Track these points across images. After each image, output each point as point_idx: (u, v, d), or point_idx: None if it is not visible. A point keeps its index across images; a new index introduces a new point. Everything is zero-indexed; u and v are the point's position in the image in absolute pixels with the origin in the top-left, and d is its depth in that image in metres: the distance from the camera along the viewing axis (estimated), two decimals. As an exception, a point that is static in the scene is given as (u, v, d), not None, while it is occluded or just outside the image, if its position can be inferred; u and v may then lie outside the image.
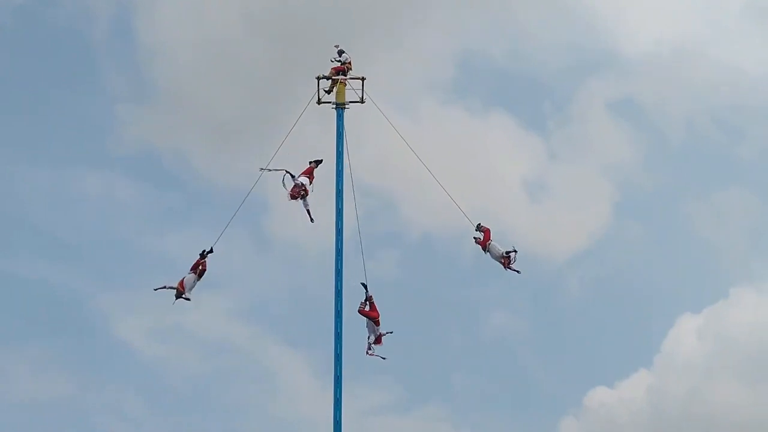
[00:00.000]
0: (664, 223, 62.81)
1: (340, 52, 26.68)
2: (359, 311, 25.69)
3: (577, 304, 57.84)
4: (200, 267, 26.00)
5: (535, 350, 54.94)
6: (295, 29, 53.37)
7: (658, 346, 52.87)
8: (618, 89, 64.65)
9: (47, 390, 52.23)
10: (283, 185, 25.88)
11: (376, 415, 51.27)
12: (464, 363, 52.07)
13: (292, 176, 25.88)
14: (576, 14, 65.82)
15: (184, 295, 25.90)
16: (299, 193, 25.69)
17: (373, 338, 26.18)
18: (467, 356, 53.00)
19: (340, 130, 25.97)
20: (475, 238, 26.81)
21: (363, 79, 26.59)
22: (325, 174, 25.97)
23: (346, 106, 26.31)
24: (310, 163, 26.27)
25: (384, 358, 26.05)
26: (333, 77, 26.41)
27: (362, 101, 26.47)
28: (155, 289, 25.98)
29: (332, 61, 26.72)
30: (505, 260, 26.35)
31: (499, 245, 26.58)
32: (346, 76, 26.49)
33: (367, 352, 26.10)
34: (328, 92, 26.54)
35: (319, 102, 26.61)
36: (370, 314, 25.92)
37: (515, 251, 26.39)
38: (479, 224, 26.74)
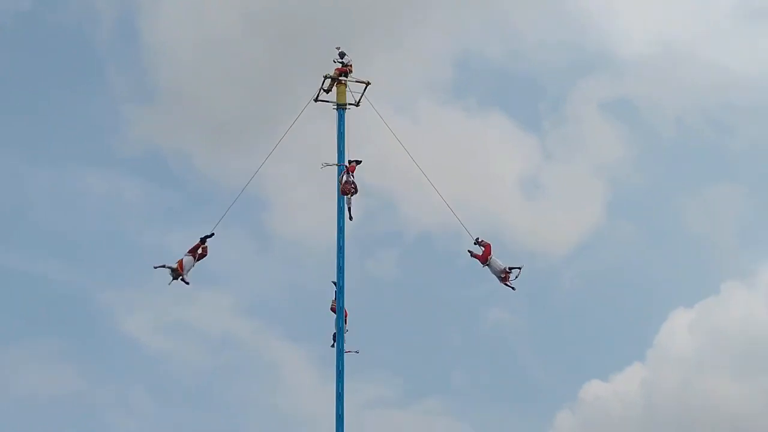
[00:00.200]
0: (656, 220, 62.92)
1: (342, 54, 26.55)
2: (331, 308, 25.17)
3: (572, 300, 57.91)
4: (200, 251, 25.69)
5: (532, 345, 55.01)
6: (295, 30, 53.28)
7: (651, 341, 52.94)
8: (611, 90, 64.73)
9: (55, 385, 52.27)
10: (340, 180, 25.48)
11: (376, 408, 51.32)
12: (462, 358, 52.15)
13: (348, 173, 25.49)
14: (570, 17, 65.93)
15: (182, 277, 25.37)
16: (350, 189, 25.25)
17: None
18: (465, 352, 53.07)
19: (341, 129, 25.91)
20: (469, 251, 26.16)
21: (367, 83, 26.49)
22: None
23: (347, 107, 26.26)
24: (350, 162, 25.80)
25: (357, 352, 24.85)
26: (335, 77, 26.29)
27: (357, 104, 26.28)
28: (155, 267, 25.23)
29: (335, 62, 26.62)
30: (506, 275, 25.82)
31: (500, 261, 25.94)
32: (347, 77, 26.39)
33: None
34: (327, 92, 26.45)
35: (316, 100, 26.52)
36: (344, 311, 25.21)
37: (520, 268, 25.88)
38: (478, 238, 26.11)
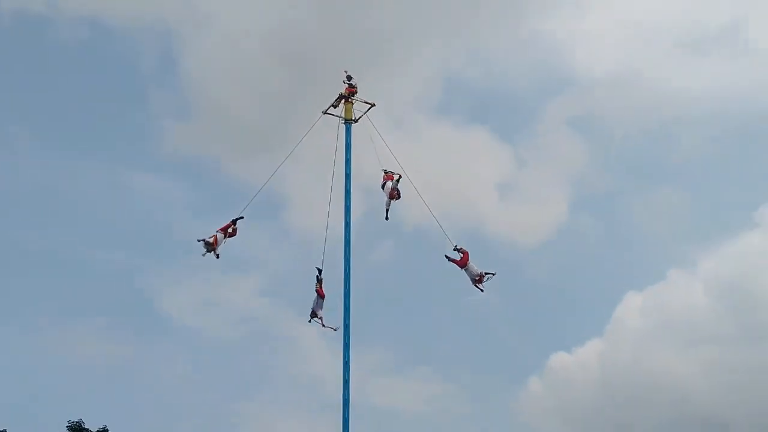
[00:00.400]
0: (612, 217, 63.00)
1: (349, 77, 26.48)
2: (316, 290, 25.04)
3: (541, 285, 58.04)
4: (230, 230, 25.35)
5: (507, 322, 55.11)
6: (308, 57, 53.42)
7: (608, 319, 53.10)
8: (576, 107, 64.91)
9: (106, 353, 52.39)
10: (383, 186, 25.32)
11: (377, 375, 51.41)
12: (449, 332, 52.31)
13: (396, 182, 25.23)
14: (542, 46, 66.02)
15: (215, 251, 25.02)
16: (395, 195, 25.09)
17: (321, 312, 25.12)
18: (452, 327, 53.21)
19: (348, 141, 25.80)
20: (446, 256, 25.13)
21: (372, 105, 26.20)
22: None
23: (353, 122, 26.16)
24: (387, 172, 25.63)
25: (335, 329, 24.51)
26: (346, 95, 26.20)
27: (356, 121, 25.85)
28: (198, 240, 24.99)
29: (344, 83, 26.39)
30: (480, 279, 24.99)
31: (476, 266, 25.02)
32: (353, 97, 26.28)
33: (323, 325, 25.07)
34: (335, 107, 26.23)
35: (325, 112, 26.23)
36: (321, 293, 25.13)
37: (493, 274, 25.01)
38: (457, 245, 25.11)
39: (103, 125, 63.38)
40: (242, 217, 25.63)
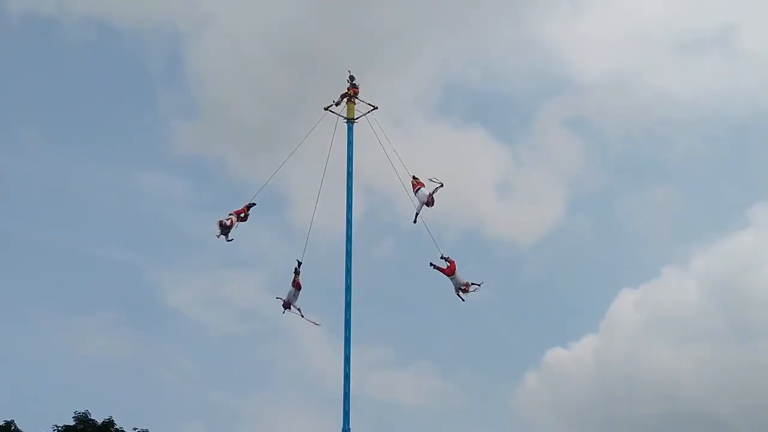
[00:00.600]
0: (608, 216, 63.02)
1: (351, 78, 26.46)
2: (294, 282, 24.77)
3: (538, 282, 58.08)
4: (242, 215, 25.23)
5: (505, 318, 55.08)
6: (311, 57, 53.39)
7: (603, 315, 53.05)
8: (572, 109, 64.86)
9: (114, 348, 52.44)
10: (418, 192, 25.02)
11: (377, 369, 51.43)
12: (447, 328, 52.23)
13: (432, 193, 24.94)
14: (539, 49, 65.99)
15: (228, 234, 24.91)
16: (431, 202, 24.81)
17: (297, 304, 24.87)
18: (450, 322, 53.12)
19: (350, 139, 25.74)
20: (432, 264, 24.77)
21: (374, 107, 26.05)
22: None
23: (355, 122, 26.11)
24: (415, 178, 25.36)
25: (318, 324, 24.82)
26: (351, 95, 26.14)
27: (354, 120, 25.65)
28: (218, 221, 24.86)
29: (348, 83, 26.30)
30: (465, 288, 24.72)
31: (462, 277, 24.70)
32: (356, 97, 26.24)
33: (302, 316, 24.94)
34: (337, 105, 26.08)
35: (326, 109, 26.10)
36: (298, 284, 24.82)
37: (479, 285, 24.75)
38: (443, 255, 24.73)
39: (112, 126, 63.44)
40: (255, 204, 25.53)
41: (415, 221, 25.06)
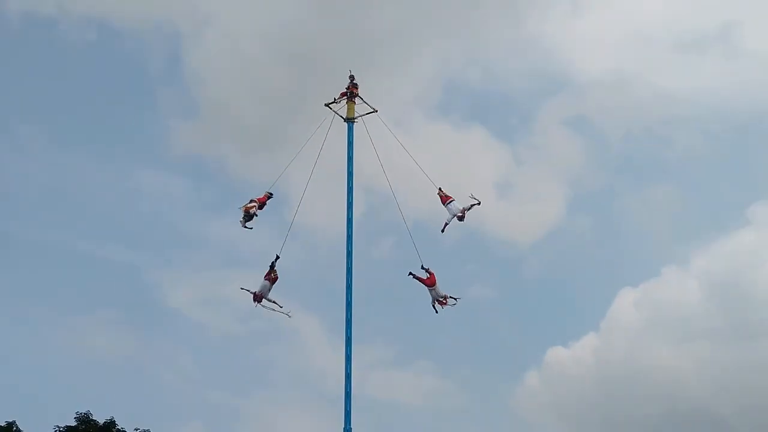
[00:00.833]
0: (608, 215, 63.00)
1: (352, 77, 26.51)
2: (270, 276, 24.58)
3: (538, 281, 58.06)
4: (263, 203, 25.27)
5: (505, 317, 55.14)
6: (311, 56, 53.36)
7: (603, 314, 53.00)
8: (571, 108, 64.79)
9: (113, 347, 52.40)
10: (450, 205, 25.43)
11: (377, 369, 51.42)
12: (448, 327, 52.14)
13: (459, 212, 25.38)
14: (538, 48, 65.95)
15: (250, 221, 24.96)
16: (462, 217, 25.30)
17: (271, 296, 24.60)
18: (450, 322, 52.96)
19: (350, 139, 25.72)
20: (412, 273, 24.91)
21: (375, 110, 26.15)
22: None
23: (355, 121, 26.12)
24: (444, 192, 25.84)
25: (290, 316, 24.71)
26: (354, 94, 26.12)
27: (350, 120, 25.73)
28: (244, 206, 25.01)
29: (348, 80, 26.35)
30: (444, 301, 24.97)
31: (442, 290, 24.88)
32: (357, 96, 26.26)
33: (281, 306, 24.69)
34: (336, 102, 26.06)
35: (327, 105, 26.11)
36: (273, 278, 24.64)
37: (456, 300, 25.06)
38: (422, 265, 24.90)
39: (112, 125, 63.45)
40: (272, 194, 25.59)
41: (443, 231, 25.53)
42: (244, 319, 53.76)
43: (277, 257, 24.86)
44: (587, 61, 65.72)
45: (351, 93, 26.13)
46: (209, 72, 60.43)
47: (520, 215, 58.90)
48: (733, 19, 65.28)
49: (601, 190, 63.16)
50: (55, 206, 59.17)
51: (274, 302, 24.66)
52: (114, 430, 35.57)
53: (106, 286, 54.19)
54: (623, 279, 57.05)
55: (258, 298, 24.58)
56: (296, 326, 54.09)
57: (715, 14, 67.53)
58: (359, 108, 26.08)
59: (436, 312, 25.04)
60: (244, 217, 25.06)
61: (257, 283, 24.68)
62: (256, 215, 25.19)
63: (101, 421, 35.40)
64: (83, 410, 35.32)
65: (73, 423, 34.99)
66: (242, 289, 24.72)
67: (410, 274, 24.93)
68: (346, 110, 26.10)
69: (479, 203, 25.27)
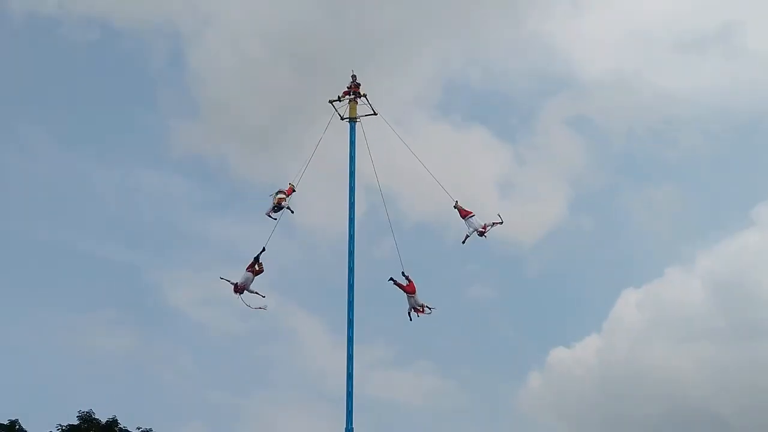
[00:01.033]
0: (610, 215, 62.93)
1: (354, 77, 26.55)
2: (254, 269, 24.54)
3: (540, 281, 57.96)
4: (290, 194, 25.33)
5: (507, 317, 55.14)
6: (313, 56, 53.41)
7: (606, 315, 52.94)
8: (573, 108, 64.79)
9: (115, 346, 52.45)
10: (470, 219, 25.87)
11: (378, 368, 51.42)
12: (449, 327, 52.18)
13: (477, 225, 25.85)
14: (540, 48, 65.91)
15: (271, 213, 25.01)
16: (483, 234, 25.75)
17: (253, 288, 24.51)
18: (451, 322, 53.10)
19: (352, 139, 25.77)
20: (392, 279, 24.87)
21: (375, 113, 26.21)
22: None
23: (358, 120, 26.15)
24: (461, 207, 26.19)
25: (265, 308, 24.60)
26: (348, 93, 26.26)
27: (347, 119, 25.89)
28: (278, 197, 25.06)
29: (351, 80, 26.50)
30: (421, 309, 24.97)
31: (420, 299, 24.94)
32: (361, 96, 26.32)
33: (263, 296, 24.67)
34: (340, 100, 26.19)
35: (331, 102, 26.22)
36: (257, 271, 24.53)
37: (432, 309, 25.04)
38: (403, 272, 24.90)
39: (113, 125, 63.49)
40: (294, 190, 25.57)
41: (463, 242, 25.97)
42: (244, 319, 53.80)
43: (263, 249, 24.79)
44: (588, 61, 65.81)
45: (354, 93, 26.18)
46: (210, 72, 60.58)
47: (522, 215, 58.82)
48: (733, 19, 65.24)
49: (603, 189, 63.19)
50: (55, 205, 59.31)
51: (256, 293, 24.52)
52: (116, 429, 35.63)
53: (106, 286, 54.28)
54: (626, 279, 57.10)
55: (240, 289, 24.43)
56: (296, 326, 54.31)
57: (716, 14, 67.57)
58: (361, 109, 26.15)
59: (411, 319, 25.16)
60: (273, 208, 25.04)
61: (254, 281, 24.62)
62: (290, 209, 25.23)
63: (104, 419, 35.47)
64: (86, 409, 35.46)
65: (76, 422, 35.08)
66: (222, 279, 24.65)
67: (391, 279, 24.98)
68: (348, 110, 26.20)
69: (501, 222, 25.86)
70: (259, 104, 58.45)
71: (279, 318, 54.63)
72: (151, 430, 36.13)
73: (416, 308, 25.06)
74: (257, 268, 24.65)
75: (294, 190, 25.70)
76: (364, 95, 26.29)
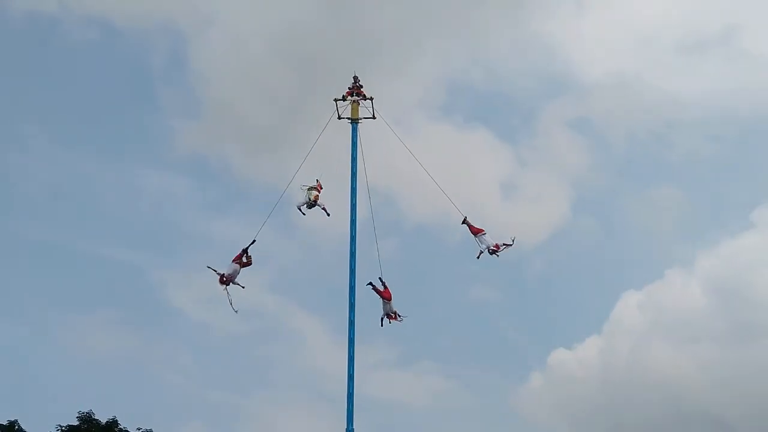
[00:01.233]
0: (612, 216, 62.84)
1: (356, 79, 26.49)
2: (241, 261, 24.28)
3: (542, 282, 57.83)
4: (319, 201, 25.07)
5: (509, 318, 54.99)
6: (315, 57, 53.36)
7: (607, 316, 52.88)
8: (575, 109, 64.71)
9: (116, 346, 52.35)
10: (482, 238, 25.85)
11: (379, 369, 51.32)
12: (451, 327, 52.18)
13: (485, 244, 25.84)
14: (542, 49, 65.78)
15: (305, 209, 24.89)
16: (495, 253, 25.76)
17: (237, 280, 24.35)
18: (453, 322, 53.11)
19: (354, 140, 25.70)
20: (371, 284, 24.78)
21: (373, 117, 26.17)
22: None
23: (359, 122, 26.06)
24: (469, 222, 26.08)
25: (236, 311, 24.26)
26: (352, 93, 26.20)
27: (358, 120, 25.78)
28: (315, 194, 24.99)
29: (353, 81, 26.46)
30: (394, 316, 24.89)
31: (394, 306, 24.91)
32: (363, 99, 26.23)
33: (242, 287, 24.38)
34: (344, 99, 26.12)
35: (335, 100, 26.14)
36: (245, 263, 24.40)
37: (402, 318, 24.98)
38: (380, 277, 24.92)
39: (115, 125, 63.42)
40: (320, 186, 25.36)
41: (477, 257, 26.02)
42: (245, 319, 53.71)
43: (253, 241, 24.55)
44: (590, 63, 65.70)
45: (358, 94, 26.10)
46: (213, 72, 60.49)
47: (524, 216, 58.82)
48: (735, 22, 65.16)
49: (605, 191, 63.13)
50: (57, 205, 59.20)
51: (237, 284, 24.21)
52: (116, 429, 35.53)
53: (108, 286, 54.19)
54: (627, 281, 57.14)
55: (226, 280, 24.11)
56: (297, 326, 54.22)
57: (718, 17, 67.42)
58: (363, 111, 26.07)
59: (382, 325, 25.08)
60: (307, 204, 24.79)
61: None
62: (326, 211, 24.98)
63: (103, 420, 35.37)
64: (86, 409, 35.35)
65: (76, 422, 34.97)
66: (209, 267, 24.33)
67: (369, 284, 24.83)
68: (350, 111, 26.12)
69: (512, 244, 26.01)
70: (261, 104, 58.45)
71: (280, 318, 54.66)
72: (151, 430, 36.07)
73: (389, 315, 24.98)
74: (245, 260, 24.35)
75: (322, 188, 25.44)
76: (371, 98, 26.20)
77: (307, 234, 54.60)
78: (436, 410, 50.48)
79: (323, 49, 53.49)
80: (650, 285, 54.07)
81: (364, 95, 26.24)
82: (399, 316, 25.06)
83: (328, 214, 25.26)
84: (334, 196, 25.68)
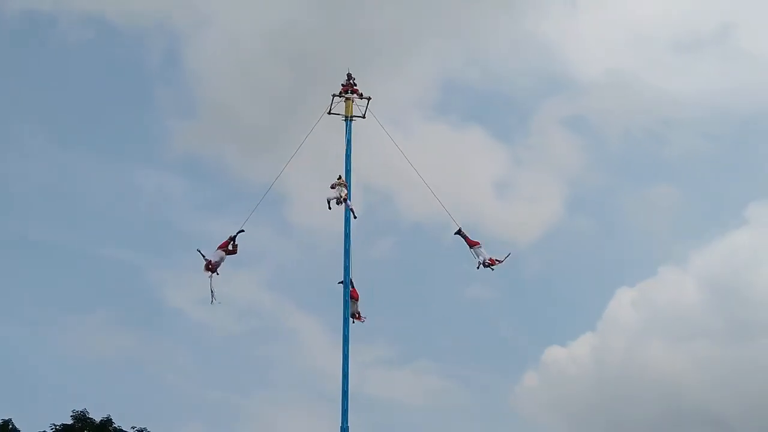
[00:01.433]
0: (606, 214, 63.10)
1: (349, 76, 26.36)
2: (224, 245, 24.06)
3: (537, 280, 57.99)
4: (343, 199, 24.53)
5: (504, 316, 55.09)
6: (310, 56, 53.31)
7: (600, 314, 53.04)
8: (570, 108, 64.90)
9: (113, 347, 52.28)
10: (478, 251, 26.06)
11: (376, 368, 51.32)
12: (447, 326, 52.20)
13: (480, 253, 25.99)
14: (537, 48, 66.02)
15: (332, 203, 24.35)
16: (490, 266, 26.17)
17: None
18: (450, 321, 53.13)
19: (349, 137, 25.61)
20: (341, 282, 24.45)
21: (363, 116, 26.00)
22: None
23: (353, 119, 25.95)
24: (464, 233, 25.99)
25: (220, 303, 24.03)
26: (347, 90, 26.05)
27: (352, 118, 25.63)
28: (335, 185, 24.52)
29: (346, 78, 26.27)
30: (357, 316, 24.43)
31: (358, 306, 24.52)
32: (359, 97, 26.09)
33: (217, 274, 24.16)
34: (341, 95, 25.90)
35: (333, 95, 25.95)
36: (230, 251, 24.19)
37: (364, 319, 24.51)
38: (351, 280, 24.37)
39: (110, 124, 63.47)
40: (342, 181, 24.88)
41: (477, 268, 26.28)
42: (244, 319, 53.74)
43: (242, 230, 24.32)
44: (586, 61, 65.90)
45: (353, 92, 25.96)
46: (208, 71, 60.55)
47: (519, 215, 58.93)
48: (730, 20, 65.42)
49: (600, 189, 63.34)
50: (53, 205, 59.18)
51: (216, 272, 23.94)
52: (110, 428, 35.38)
53: (105, 286, 54.13)
54: (621, 278, 57.17)
55: (212, 267, 23.91)
56: (296, 326, 54.19)
57: (713, 15, 67.66)
58: (357, 109, 25.96)
59: (353, 322, 24.53)
60: (336, 200, 24.28)
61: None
62: (353, 213, 24.39)
63: (98, 419, 35.20)
64: (80, 408, 35.19)
65: (70, 421, 34.82)
66: (198, 251, 24.15)
67: (341, 282, 24.47)
68: (344, 108, 26.00)
69: (506, 260, 26.43)
70: (257, 104, 58.47)
71: (278, 318, 54.63)
72: (145, 429, 35.91)
73: (354, 315, 24.55)
74: (230, 248, 24.07)
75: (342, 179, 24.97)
76: (368, 98, 26.01)
77: (304, 233, 54.62)
78: (434, 409, 50.62)
79: (319, 48, 53.54)
80: (644, 282, 54.41)
81: (360, 93, 26.10)
82: (362, 317, 24.56)
83: (355, 217, 24.53)
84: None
